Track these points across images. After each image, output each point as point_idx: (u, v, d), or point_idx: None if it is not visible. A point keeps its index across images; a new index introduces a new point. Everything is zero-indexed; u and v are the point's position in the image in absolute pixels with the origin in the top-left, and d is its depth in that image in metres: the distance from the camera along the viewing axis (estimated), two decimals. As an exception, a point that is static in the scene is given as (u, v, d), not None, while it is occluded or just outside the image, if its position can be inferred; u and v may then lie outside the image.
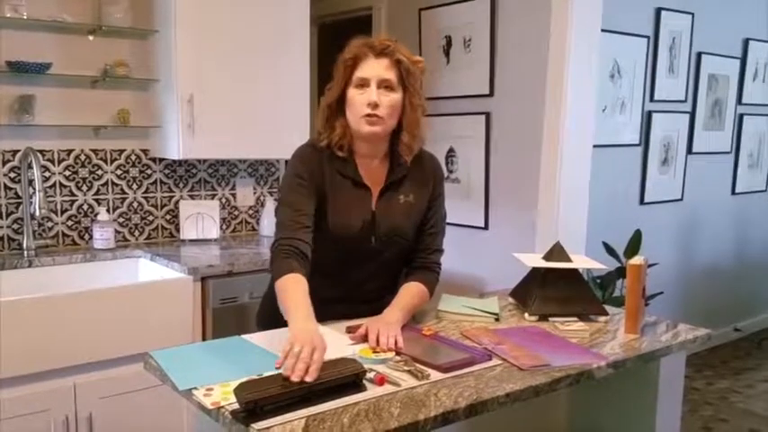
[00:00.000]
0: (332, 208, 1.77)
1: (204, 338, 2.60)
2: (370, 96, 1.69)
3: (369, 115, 1.70)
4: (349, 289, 1.85)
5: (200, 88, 2.82)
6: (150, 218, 3.10)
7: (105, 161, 2.96)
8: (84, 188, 2.92)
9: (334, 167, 1.78)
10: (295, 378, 1.29)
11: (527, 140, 3.06)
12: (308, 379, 1.30)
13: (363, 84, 1.71)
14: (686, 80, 4.25)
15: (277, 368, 1.34)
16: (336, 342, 1.66)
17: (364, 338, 1.63)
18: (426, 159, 1.90)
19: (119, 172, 2.99)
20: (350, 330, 1.71)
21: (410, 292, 1.83)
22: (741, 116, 4.76)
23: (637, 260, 1.81)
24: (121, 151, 2.99)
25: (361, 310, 1.80)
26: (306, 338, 1.38)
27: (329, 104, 1.76)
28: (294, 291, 1.59)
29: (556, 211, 2.97)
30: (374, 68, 1.70)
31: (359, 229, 1.78)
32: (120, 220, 3.01)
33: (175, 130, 2.83)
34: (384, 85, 1.70)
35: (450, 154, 3.42)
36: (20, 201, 2.76)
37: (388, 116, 1.72)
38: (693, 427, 3.47)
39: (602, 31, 3.07)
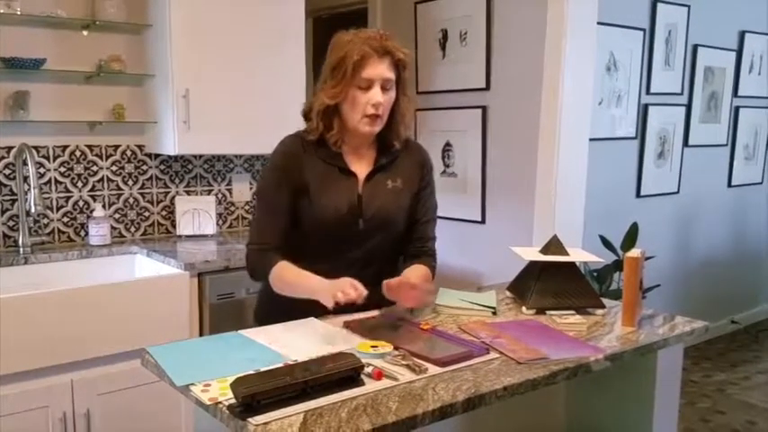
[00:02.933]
0: (316, 193, 1.81)
1: (201, 334, 2.60)
2: (376, 97, 1.73)
3: (372, 116, 1.75)
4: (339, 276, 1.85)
5: (196, 83, 2.81)
6: (146, 214, 3.09)
7: (100, 157, 2.95)
8: (80, 184, 2.91)
9: (318, 156, 1.83)
10: (354, 295, 1.55)
11: (524, 134, 3.06)
12: (359, 297, 1.55)
13: (368, 85, 1.73)
14: (682, 73, 4.25)
15: (335, 305, 1.56)
16: (334, 338, 1.66)
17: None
18: (413, 148, 1.96)
19: (114, 168, 2.99)
20: (347, 325, 1.72)
21: (416, 271, 1.86)
22: (737, 108, 4.77)
23: (634, 253, 1.81)
24: (117, 147, 2.98)
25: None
26: (339, 284, 1.60)
27: (330, 106, 1.77)
28: (292, 272, 1.75)
29: (553, 204, 2.97)
30: (379, 69, 1.73)
31: (345, 211, 1.81)
32: (116, 216, 3.01)
33: (171, 125, 2.82)
34: (385, 85, 1.75)
35: (447, 148, 3.42)
36: (15, 197, 2.75)
37: (386, 113, 1.78)
38: (691, 419, 3.49)
39: (599, 23, 3.06)
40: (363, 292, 1.58)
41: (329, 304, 1.59)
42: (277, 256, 1.79)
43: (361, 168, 1.85)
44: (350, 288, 1.57)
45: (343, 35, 1.78)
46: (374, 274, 1.86)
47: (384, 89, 1.74)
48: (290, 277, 1.76)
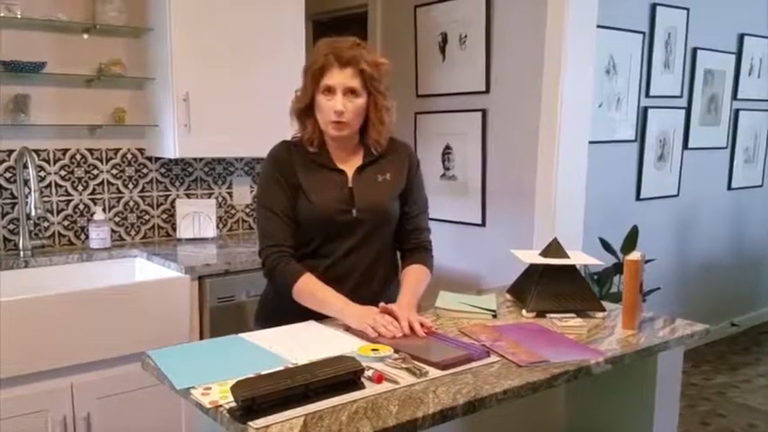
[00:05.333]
0: (309, 190, 1.88)
1: (202, 338, 2.60)
2: (336, 105, 1.81)
3: (335, 122, 1.83)
4: (341, 271, 1.89)
5: (196, 86, 2.81)
6: (146, 217, 3.09)
7: (101, 160, 2.95)
8: (80, 188, 2.91)
9: (308, 158, 1.91)
10: (399, 334, 1.63)
11: (523, 137, 3.06)
12: (400, 334, 1.64)
13: (330, 91, 1.82)
14: (682, 76, 4.25)
15: (372, 340, 1.60)
16: (335, 341, 1.66)
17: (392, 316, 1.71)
18: (399, 146, 2.02)
19: (114, 171, 2.99)
20: (348, 329, 1.72)
21: (415, 276, 1.94)
22: (737, 111, 4.77)
23: (634, 256, 1.81)
24: (117, 150, 2.99)
25: (353, 298, 1.82)
26: (370, 312, 1.71)
27: (300, 108, 1.89)
28: (320, 287, 1.81)
29: (553, 207, 2.97)
30: (339, 78, 1.81)
31: (338, 203, 1.88)
32: (117, 219, 3.01)
33: (171, 128, 2.82)
34: (349, 92, 1.82)
35: (447, 151, 3.42)
36: (15, 201, 2.75)
37: (353, 119, 1.85)
38: (691, 422, 3.48)
39: (598, 26, 3.06)
40: (396, 332, 1.65)
41: (369, 333, 1.65)
42: (301, 267, 1.85)
43: (349, 166, 1.93)
44: (386, 323, 1.67)
45: (321, 41, 1.87)
46: (373, 258, 1.94)
47: (348, 96, 1.82)
48: (316, 293, 1.81)
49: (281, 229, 1.87)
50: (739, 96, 4.74)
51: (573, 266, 1.97)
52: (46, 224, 2.84)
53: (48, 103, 2.76)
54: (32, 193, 2.55)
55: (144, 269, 2.83)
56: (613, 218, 3.77)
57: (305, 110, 1.88)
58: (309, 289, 1.82)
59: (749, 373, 4.22)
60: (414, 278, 1.93)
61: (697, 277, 4.60)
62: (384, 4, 3.73)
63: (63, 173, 2.86)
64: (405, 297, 1.85)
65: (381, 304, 1.76)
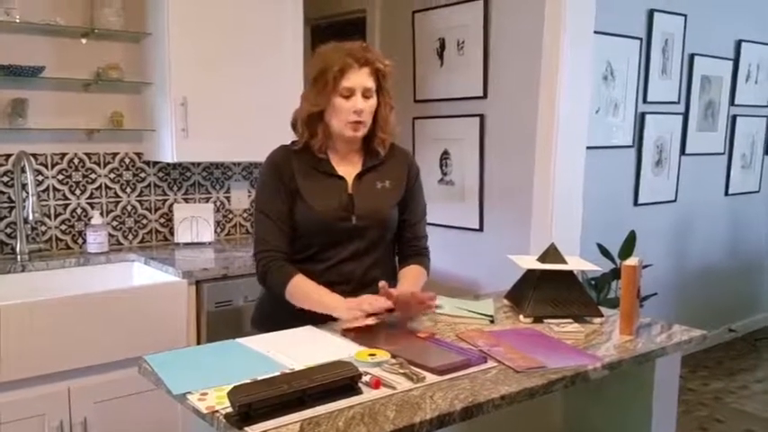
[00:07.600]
0: (308, 196, 1.88)
1: (199, 342, 2.59)
2: (357, 105, 1.83)
3: (354, 122, 1.84)
4: (339, 276, 1.90)
5: (194, 91, 2.81)
6: (144, 221, 3.09)
7: (99, 165, 2.95)
8: (78, 192, 2.91)
9: (308, 163, 1.91)
10: (387, 305, 1.69)
11: (521, 142, 3.07)
12: (388, 305, 1.70)
13: (350, 93, 1.83)
14: (679, 81, 4.26)
15: (349, 327, 1.67)
16: (332, 346, 1.66)
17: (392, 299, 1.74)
18: (399, 152, 2.04)
19: (112, 175, 2.99)
20: (345, 334, 1.71)
21: (413, 274, 1.98)
22: (734, 117, 4.78)
23: (631, 261, 1.81)
24: (115, 155, 2.98)
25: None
26: (356, 300, 1.73)
27: (313, 113, 1.87)
28: (312, 287, 1.83)
29: (550, 212, 2.97)
30: (359, 79, 1.83)
31: (338, 210, 1.88)
32: (114, 223, 3.00)
33: (169, 133, 2.82)
34: (365, 92, 1.85)
35: (445, 156, 3.43)
36: (13, 205, 2.75)
37: (369, 119, 1.88)
38: (689, 427, 3.48)
39: (595, 32, 3.07)
40: (383, 304, 1.69)
41: (357, 316, 1.69)
42: (293, 269, 1.86)
43: (348, 172, 1.93)
44: (366, 305, 1.69)
45: (324, 47, 1.89)
46: (371, 265, 1.94)
47: (365, 97, 1.84)
48: (308, 292, 1.83)
49: (275, 235, 1.88)
50: (736, 102, 4.75)
51: (570, 272, 1.97)
52: (43, 228, 2.84)
53: (46, 108, 2.76)
54: (30, 197, 2.55)
55: (141, 273, 2.82)
56: (611, 223, 3.77)
57: (317, 115, 1.87)
58: (302, 288, 1.83)
59: (746, 379, 4.22)
60: (412, 275, 1.97)
61: (694, 283, 4.60)
62: (382, 9, 3.73)
63: (61, 177, 2.86)
64: (404, 287, 1.87)
65: (382, 282, 1.76)
